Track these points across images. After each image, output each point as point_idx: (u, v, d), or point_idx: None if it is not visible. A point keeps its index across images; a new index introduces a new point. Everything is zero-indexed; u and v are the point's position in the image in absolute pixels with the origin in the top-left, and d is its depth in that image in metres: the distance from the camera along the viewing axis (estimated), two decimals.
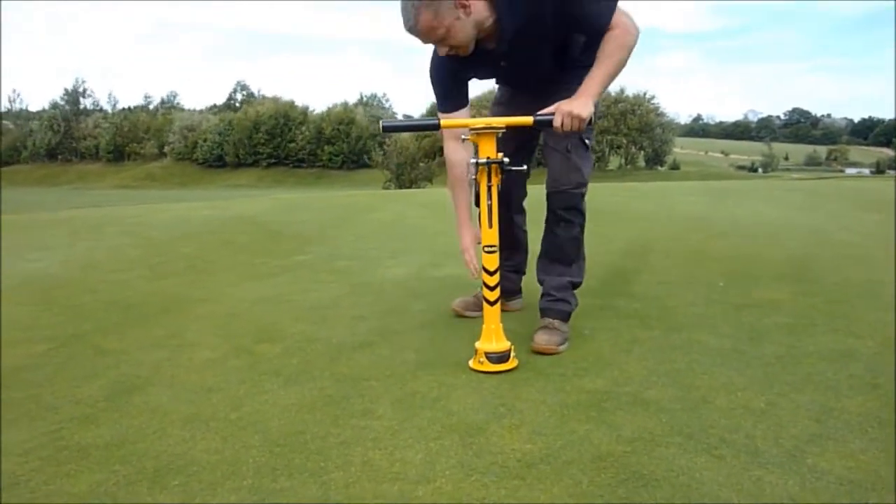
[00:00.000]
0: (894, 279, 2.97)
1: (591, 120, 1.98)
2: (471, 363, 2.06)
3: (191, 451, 1.58)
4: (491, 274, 2.07)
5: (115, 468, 1.51)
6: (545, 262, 2.36)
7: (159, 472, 1.49)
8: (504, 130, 2.01)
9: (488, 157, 2.00)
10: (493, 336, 2.05)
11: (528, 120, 2.02)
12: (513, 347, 2.05)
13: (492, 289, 2.08)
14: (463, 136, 2.06)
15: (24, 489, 1.44)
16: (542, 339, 2.17)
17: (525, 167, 2.19)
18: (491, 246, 2.08)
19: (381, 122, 2.10)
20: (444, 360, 2.12)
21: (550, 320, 2.26)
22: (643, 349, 2.18)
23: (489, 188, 2.04)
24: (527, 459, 1.48)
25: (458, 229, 2.32)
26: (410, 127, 2.20)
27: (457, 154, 2.28)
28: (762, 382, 1.88)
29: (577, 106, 1.95)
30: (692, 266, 3.44)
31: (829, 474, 1.39)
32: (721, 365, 2.02)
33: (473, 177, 2.04)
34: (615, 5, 2.02)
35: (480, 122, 1.99)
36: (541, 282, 2.37)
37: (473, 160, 2.02)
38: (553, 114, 1.97)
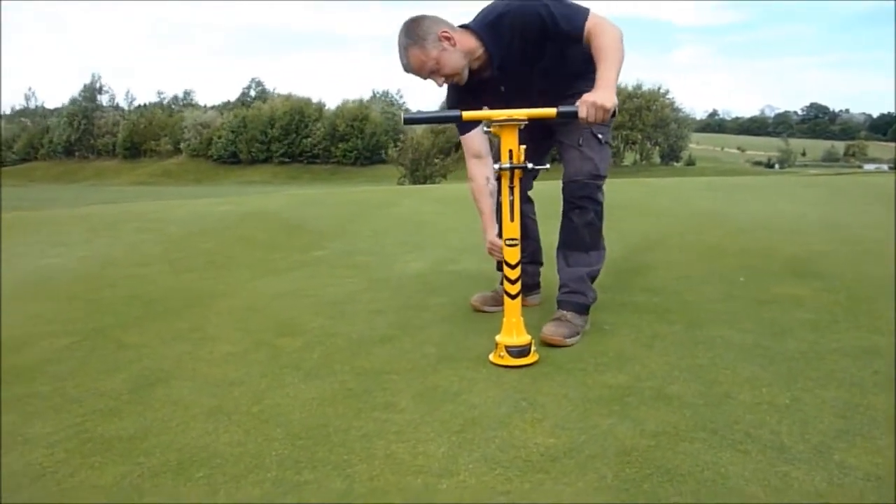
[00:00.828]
0: (894, 274, 2.93)
1: (613, 112, 1.98)
2: (491, 357, 2.05)
3: (214, 444, 1.59)
4: (512, 267, 2.07)
5: (139, 460, 1.53)
6: (563, 251, 2.36)
7: (183, 464, 1.50)
8: (527, 122, 2.01)
9: (511, 163, 2.00)
10: (513, 330, 2.04)
11: (552, 112, 2.01)
12: (533, 342, 2.05)
13: (513, 282, 2.07)
14: (485, 128, 2.08)
15: (51, 480, 1.46)
16: (549, 330, 2.17)
17: (547, 166, 2.27)
18: (512, 239, 2.07)
19: (402, 114, 2.12)
20: (465, 355, 2.12)
21: (563, 312, 2.26)
22: (664, 344, 2.16)
23: (511, 188, 2.05)
24: (550, 453, 1.48)
25: (483, 230, 2.43)
26: (432, 119, 2.19)
27: (477, 169, 2.42)
28: (786, 378, 1.86)
29: (601, 96, 1.97)
30: (711, 261, 3.41)
31: (857, 470, 1.38)
32: (744, 360, 2.00)
33: (496, 174, 2.08)
34: (587, 9, 2.12)
35: (503, 114, 1.99)
36: (559, 273, 2.37)
37: (496, 165, 2.05)
38: (576, 106, 1.98)
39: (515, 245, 2.08)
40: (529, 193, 2.59)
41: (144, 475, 1.46)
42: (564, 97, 2.13)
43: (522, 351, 2.01)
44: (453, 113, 2.07)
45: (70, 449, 1.59)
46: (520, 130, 2.02)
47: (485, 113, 2.06)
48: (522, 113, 1.99)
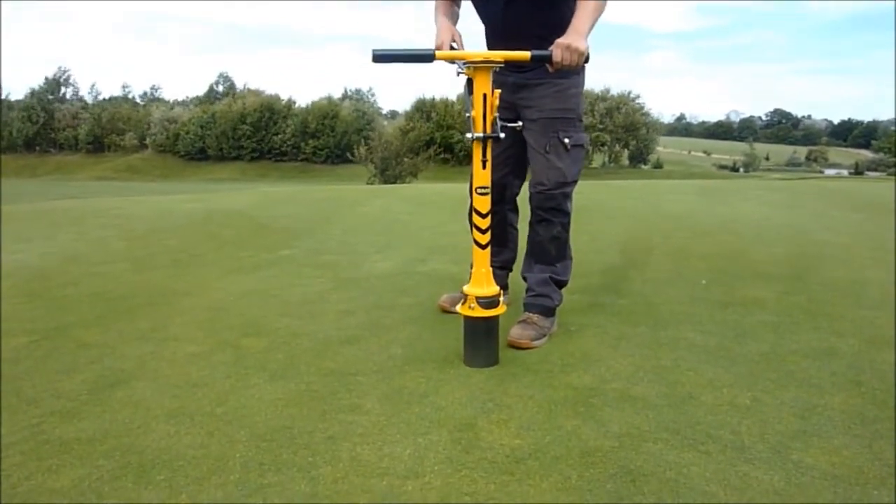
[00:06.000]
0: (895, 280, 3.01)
1: (587, 57, 2.00)
2: (458, 308, 2.05)
3: (176, 446, 1.56)
4: (482, 216, 2.05)
5: (98, 463, 1.49)
6: (529, 260, 2.39)
7: (144, 466, 1.47)
8: (502, 65, 1.99)
9: (484, 133, 1.96)
10: (483, 280, 2.03)
11: (526, 55, 2.01)
12: (502, 292, 2.04)
13: (483, 231, 2.06)
14: (458, 71, 2.00)
15: (6, 484, 1.42)
16: (516, 333, 2.19)
17: (520, 123, 2.20)
18: (483, 188, 2.04)
19: (372, 50, 2.01)
20: (432, 356, 2.12)
21: (529, 314, 2.27)
22: (630, 346, 2.19)
23: (483, 162, 2.00)
24: (515, 454, 1.48)
25: (437, 31, 2.24)
26: (404, 57, 2.09)
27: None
28: (747, 379, 1.90)
29: (574, 40, 1.99)
30: (678, 264, 3.46)
31: (814, 470, 1.41)
32: (707, 362, 2.03)
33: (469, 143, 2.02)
34: None
35: (478, 55, 1.98)
36: (524, 278, 2.38)
37: (469, 135, 1.99)
38: (550, 51, 1.99)
39: (486, 194, 2.04)
40: (517, 201, 2.58)
41: (103, 478, 1.43)
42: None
43: (492, 302, 2.01)
44: (426, 51, 2.03)
45: (26, 451, 1.55)
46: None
47: (460, 53, 2.04)
48: (498, 55, 1.98)
